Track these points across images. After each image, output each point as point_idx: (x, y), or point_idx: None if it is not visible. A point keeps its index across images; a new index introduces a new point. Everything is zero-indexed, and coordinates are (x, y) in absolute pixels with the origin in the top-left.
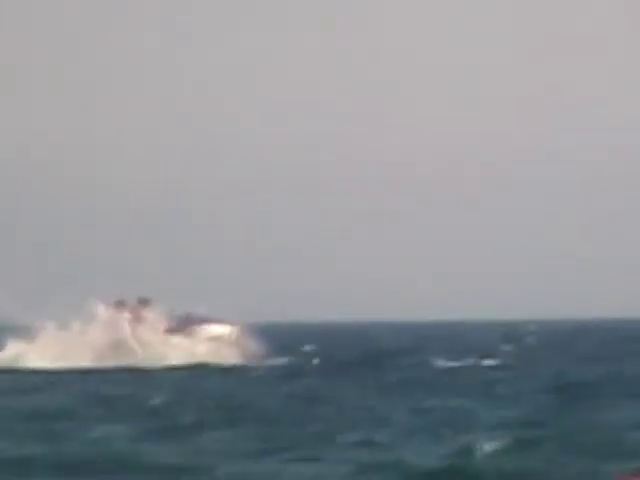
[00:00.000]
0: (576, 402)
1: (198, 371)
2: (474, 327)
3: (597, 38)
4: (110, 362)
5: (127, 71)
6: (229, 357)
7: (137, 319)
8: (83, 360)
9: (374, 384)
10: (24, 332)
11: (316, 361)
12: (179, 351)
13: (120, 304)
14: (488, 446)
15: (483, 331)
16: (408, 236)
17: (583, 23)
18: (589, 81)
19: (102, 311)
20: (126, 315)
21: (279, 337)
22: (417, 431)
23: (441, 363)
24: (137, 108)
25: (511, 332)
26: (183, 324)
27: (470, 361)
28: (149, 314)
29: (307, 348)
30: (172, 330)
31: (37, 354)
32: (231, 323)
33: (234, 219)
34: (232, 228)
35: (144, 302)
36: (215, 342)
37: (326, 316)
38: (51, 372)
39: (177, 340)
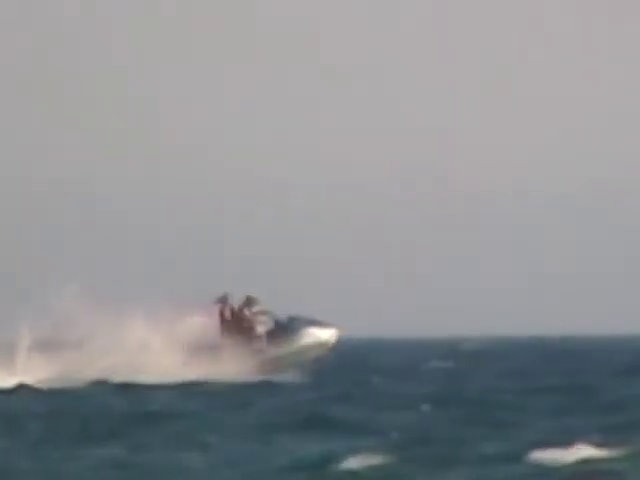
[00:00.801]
0: (476, 419)
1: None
2: (416, 343)
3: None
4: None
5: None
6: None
7: (236, 318)
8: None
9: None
10: None
11: None
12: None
13: (223, 300)
14: (356, 460)
15: (423, 347)
16: (367, 253)
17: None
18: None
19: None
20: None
21: None
22: (300, 441)
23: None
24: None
25: (448, 348)
26: (287, 327)
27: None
28: (253, 315)
29: None
30: (275, 332)
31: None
32: (335, 327)
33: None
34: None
35: (250, 301)
36: (311, 351)
37: None
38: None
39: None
